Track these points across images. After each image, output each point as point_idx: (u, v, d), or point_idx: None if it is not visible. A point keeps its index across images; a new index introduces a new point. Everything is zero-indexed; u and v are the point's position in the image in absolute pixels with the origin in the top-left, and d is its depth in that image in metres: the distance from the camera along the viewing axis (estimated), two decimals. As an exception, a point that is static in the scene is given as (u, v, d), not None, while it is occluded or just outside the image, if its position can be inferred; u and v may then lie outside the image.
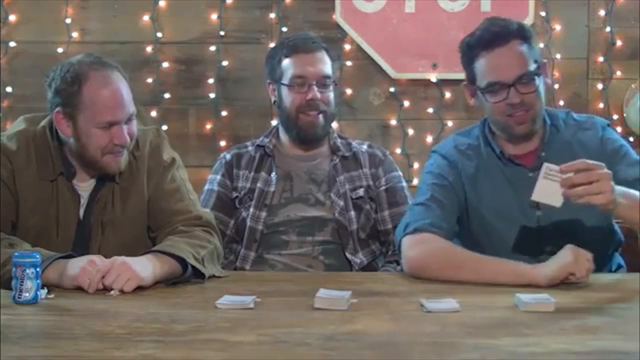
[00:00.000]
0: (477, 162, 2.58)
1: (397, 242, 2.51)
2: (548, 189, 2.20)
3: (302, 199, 2.84)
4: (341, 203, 2.82)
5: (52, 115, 2.40)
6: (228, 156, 2.93)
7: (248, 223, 2.80)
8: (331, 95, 2.87)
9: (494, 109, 2.51)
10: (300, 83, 2.83)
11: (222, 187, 2.87)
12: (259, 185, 2.84)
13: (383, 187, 2.90)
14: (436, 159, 2.64)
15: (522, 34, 2.50)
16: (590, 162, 2.20)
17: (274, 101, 2.91)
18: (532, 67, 2.49)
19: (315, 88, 2.82)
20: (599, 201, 2.17)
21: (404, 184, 2.96)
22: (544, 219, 2.49)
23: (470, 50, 2.52)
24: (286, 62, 2.85)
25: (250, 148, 2.93)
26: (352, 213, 2.82)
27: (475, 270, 2.32)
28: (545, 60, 2.57)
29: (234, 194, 2.86)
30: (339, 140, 2.94)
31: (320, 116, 2.84)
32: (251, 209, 2.81)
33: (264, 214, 2.81)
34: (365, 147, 2.97)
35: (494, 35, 2.48)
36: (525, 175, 2.51)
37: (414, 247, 2.42)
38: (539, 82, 2.50)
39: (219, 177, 2.90)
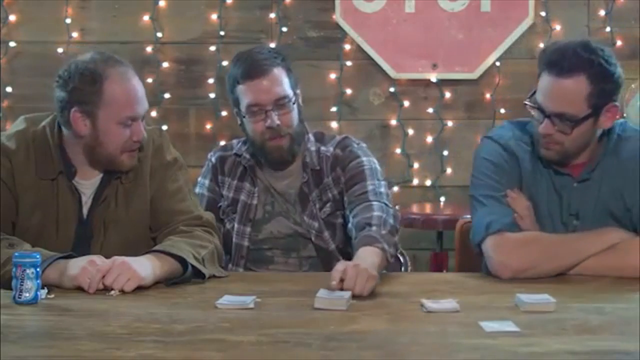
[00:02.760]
0: (532, 160, 2.53)
1: (477, 241, 2.45)
2: None
3: (284, 214, 2.73)
4: (315, 225, 2.70)
5: (68, 114, 2.38)
6: (214, 159, 2.81)
7: (234, 239, 2.72)
8: (293, 114, 2.65)
9: (535, 124, 2.48)
10: (257, 111, 2.62)
11: (211, 193, 2.78)
12: (242, 197, 2.74)
13: (343, 181, 2.69)
14: (495, 147, 2.57)
15: (592, 72, 2.38)
16: None
17: (240, 124, 2.73)
18: (580, 110, 2.38)
19: (273, 114, 2.61)
20: None
21: (367, 165, 2.69)
22: (581, 229, 2.48)
23: (540, 61, 2.44)
24: (239, 89, 2.65)
25: (235, 150, 2.80)
26: (326, 233, 2.70)
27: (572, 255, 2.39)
28: (616, 104, 2.44)
29: (220, 202, 2.78)
30: (313, 149, 2.73)
31: (285, 140, 2.65)
32: (236, 225, 2.72)
33: (248, 229, 2.72)
34: (331, 149, 2.73)
35: (560, 62, 2.38)
36: (571, 185, 2.50)
37: (514, 251, 2.38)
38: (582, 125, 2.40)
39: (207, 181, 2.80)
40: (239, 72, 2.65)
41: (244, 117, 2.67)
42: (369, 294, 2.16)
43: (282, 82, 2.65)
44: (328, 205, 2.71)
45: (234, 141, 2.85)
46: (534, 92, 2.47)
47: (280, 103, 2.63)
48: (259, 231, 2.73)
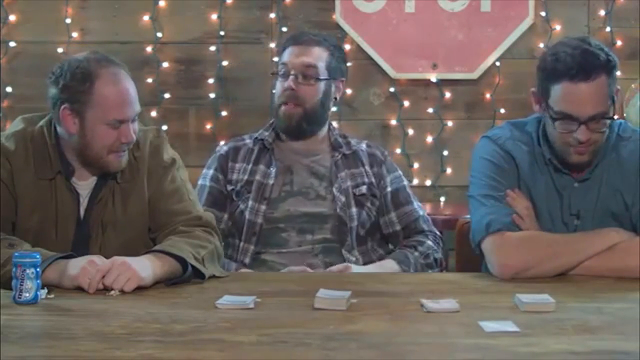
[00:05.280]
0: (531, 160, 2.54)
1: (477, 241, 2.45)
2: None
3: (303, 192, 2.81)
4: (343, 198, 2.79)
5: (58, 112, 2.38)
6: (225, 148, 2.90)
7: (247, 216, 2.77)
8: (315, 89, 2.81)
9: (558, 136, 2.45)
10: (284, 72, 2.81)
11: (214, 182, 2.84)
12: (257, 178, 2.81)
13: (389, 189, 2.86)
14: (493, 147, 2.57)
15: (609, 69, 2.41)
16: None
17: None
18: (608, 105, 2.42)
19: (294, 77, 2.78)
20: None
21: (406, 182, 2.93)
22: (581, 228, 2.48)
23: (553, 72, 2.42)
24: (282, 52, 2.87)
25: (248, 141, 2.90)
26: (354, 210, 2.79)
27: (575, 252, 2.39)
28: (618, 87, 2.48)
29: (229, 187, 2.83)
30: (339, 138, 2.90)
31: (296, 109, 2.79)
32: (250, 202, 2.78)
33: (263, 207, 2.77)
34: (364, 146, 2.93)
35: (583, 68, 2.38)
36: (571, 184, 2.50)
37: (514, 250, 2.38)
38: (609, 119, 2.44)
39: (211, 171, 2.87)
40: (289, 37, 2.92)
41: (276, 74, 2.85)
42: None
43: (319, 57, 2.82)
44: (364, 187, 2.84)
45: (246, 136, 2.94)
46: (546, 105, 2.44)
47: (306, 73, 2.79)
48: (274, 209, 2.78)
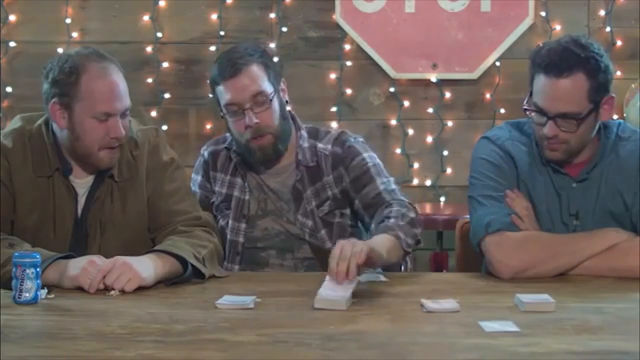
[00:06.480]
0: (530, 160, 2.53)
1: (476, 241, 2.45)
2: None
3: (276, 213, 2.71)
4: (310, 223, 2.68)
5: (48, 106, 2.40)
6: (206, 154, 2.80)
7: (228, 236, 2.71)
8: (273, 111, 2.62)
9: (534, 127, 2.47)
10: (236, 110, 2.60)
11: (203, 190, 2.78)
12: (235, 193, 2.73)
13: (348, 181, 2.67)
14: (492, 148, 2.56)
15: (590, 69, 2.38)
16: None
17: (227, 125, 2.72)
18: (584, 107, 2.39)
19: (250, 113, 2.58)
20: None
21: (371, 162, 2.67)
22: (581, 229, 2.48)
23: (533, 63, 2.44)
24: (218, 89, 2.64)
25: (226, 144, 2.77)
26: (323, 232, 2.67)
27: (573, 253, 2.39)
28: (613, 95, 2.45)
29: (212, 198, 2.77)
30: (306, 145, 2.70)
31: (266, 139, 2.62)
32: (230, 221, 2.71)
33: (243, 225, 2.70)
34: (330, 147, 2.69)
35: (556, 62, 2.38)
36: (570, 185, 2.50)
37: (514, 250, 2.37)
38: (586, 121, 2.41)
39: (199, 178, 2.80)
40: (217, 72, 2.65)
41: (225, 115, 2.64)
42: (365, 263, 2.17)
43: (259, 78, 2.61)
44: (326, 204, 2.68)
45: (227, 135, 2.79)
46: (530, 95, 2.46)
47: (258, 100, 2.60)
48: (253, 227, 2.71)
